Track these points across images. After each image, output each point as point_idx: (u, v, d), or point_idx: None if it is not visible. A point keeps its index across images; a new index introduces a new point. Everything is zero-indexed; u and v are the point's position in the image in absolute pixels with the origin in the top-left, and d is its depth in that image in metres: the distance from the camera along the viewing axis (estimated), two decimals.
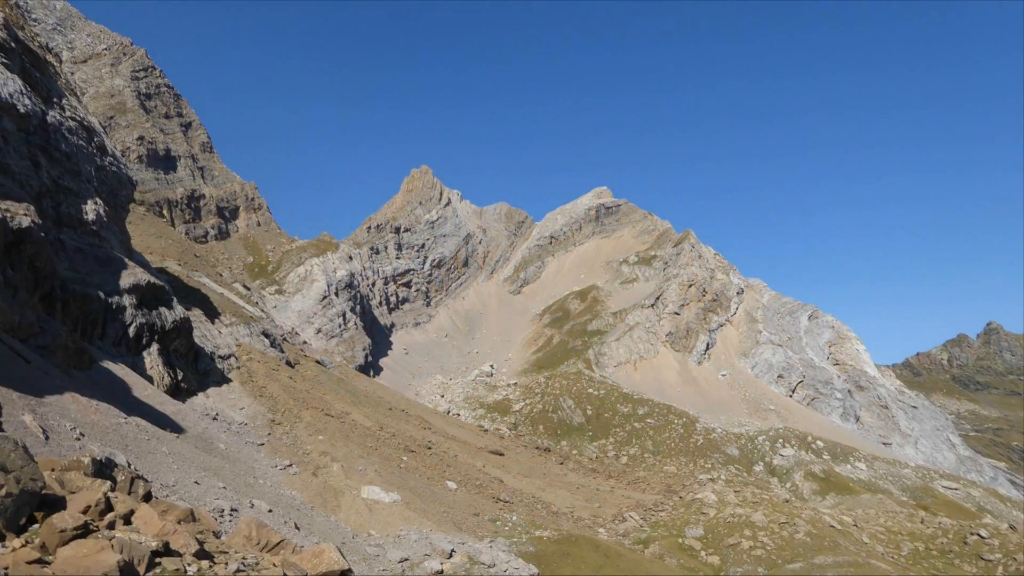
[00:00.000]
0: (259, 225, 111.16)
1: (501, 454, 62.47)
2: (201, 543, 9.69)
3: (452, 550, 29.87)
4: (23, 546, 7.69)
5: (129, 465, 18.51)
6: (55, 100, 35.04)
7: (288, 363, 57.05)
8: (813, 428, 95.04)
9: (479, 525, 37.46)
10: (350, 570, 10.79)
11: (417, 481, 41.41)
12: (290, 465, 35.26)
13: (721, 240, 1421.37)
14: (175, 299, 41.14)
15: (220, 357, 46.49)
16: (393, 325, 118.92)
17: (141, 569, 7.96)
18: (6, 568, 7.09)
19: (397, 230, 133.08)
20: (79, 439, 18.77)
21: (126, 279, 35.74)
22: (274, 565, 9.87)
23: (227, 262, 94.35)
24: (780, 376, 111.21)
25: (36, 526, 8.36)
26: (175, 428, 29.98)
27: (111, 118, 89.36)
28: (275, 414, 43.11)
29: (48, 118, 32.78)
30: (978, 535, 49.01)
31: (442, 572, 26.70)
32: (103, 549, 7.63)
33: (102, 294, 33.37)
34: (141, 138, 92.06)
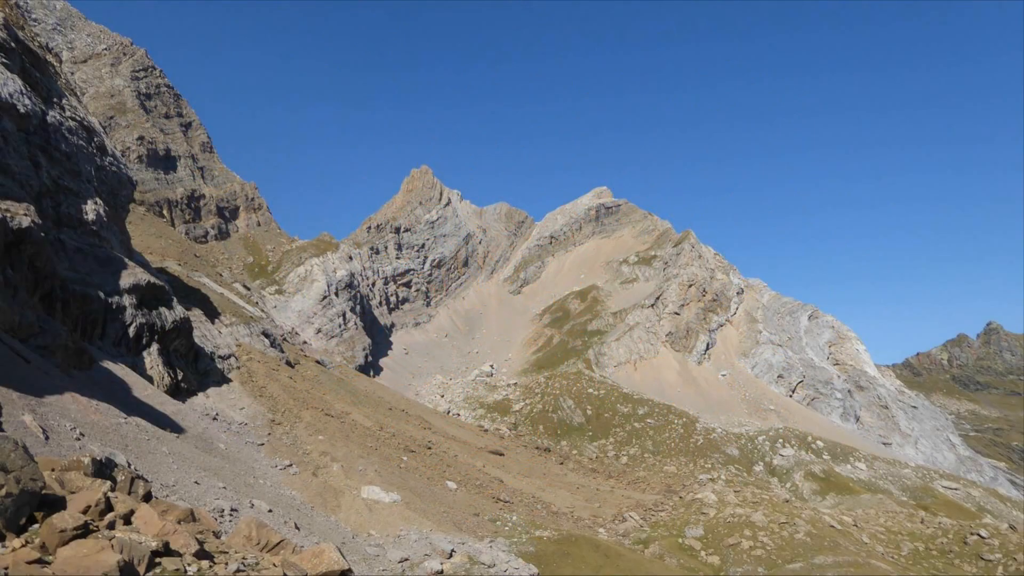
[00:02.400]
0: (259, 225, 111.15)
1: (501, 454, 62.46)
2: (201, 543, 9.69)
3: (452, 550, 29.87)
4: (23, 546, 7.69)
5: (129, 465, 18.51)
6: (55, 100, 35.04)
7: (288, 363, 57.05)
8: (813, 428, 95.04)
9: (479, 525, 37.46)
10: (350, 570, 10.79)
11: (417, 481, 41.40)
12: (290, 465, 35.26)
13: (721, 240, 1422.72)
14: (175, 299, 41.13)
15: (220, 357, 46.48)
16: (393, 325, 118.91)
17: (141, 569, 7.96)
18: (6, 568, 7.09)
19: (397, 230, 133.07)
20: (79, 439, 18.76)
21: (126, 279, 35.74)
22: (274, 565, 9.87)
23: (227, 262, 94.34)
24: (780, 376, 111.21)
25: (36, 526, 8.35)
26: (175, 428, 29.98)
27: (111, 118, 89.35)
28: (275, 414, 43.11)
29: (48, 118, 32.78)
30: (978, 535, 49.00)
31: (442, 572, 26.69)
32: (103, 549, 7.63)
33: (102, 294, 33.36)
34: (141, 138, 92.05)
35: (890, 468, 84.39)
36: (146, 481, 12.38)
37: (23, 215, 25.57)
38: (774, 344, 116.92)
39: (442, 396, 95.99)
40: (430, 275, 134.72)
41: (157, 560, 8.42)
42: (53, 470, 10.36)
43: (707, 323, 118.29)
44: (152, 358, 36.46)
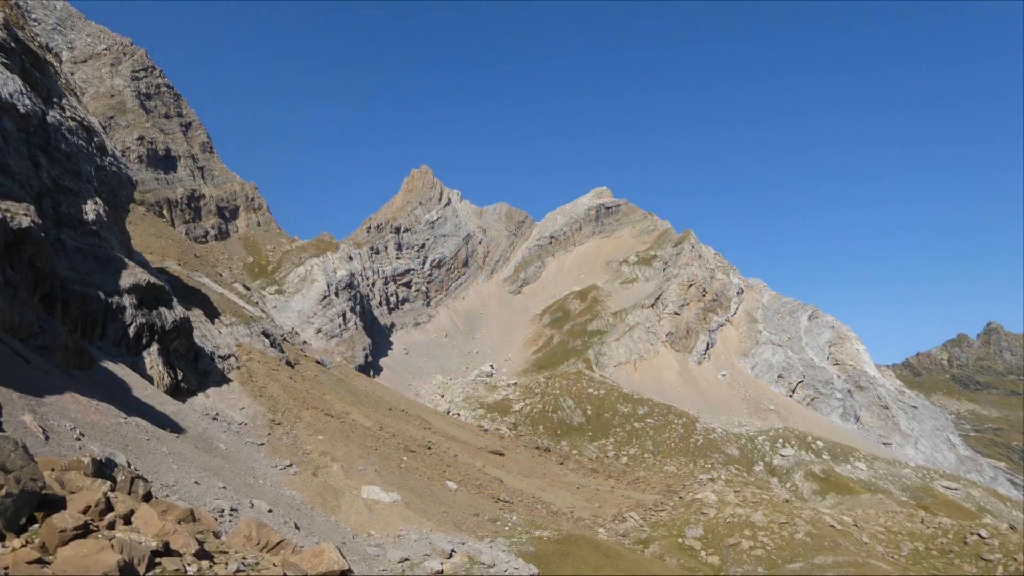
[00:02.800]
0: (259, 225, 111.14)
1: (501, 454, 62.46)
2: (201, 543, 9.69)
3: (452, 550, 29.86)
4: (23, 546, 7.69)
5: (129, 465, 18.51)
6: (55, 100, 35.04)
7: (288, 363, 57.04)
8: (813, 428, 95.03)
9: (479, 525, 37.46)
10: (350, 570, 10.78)
11: (417, 481, 41.40)
12: (290, 465, 35.25)
13: (721, 240, 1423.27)
14: (175, 299, 41.13)
15: (220, 357, 46.47)
16: (393, 325, 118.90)
17: (141, 569, 7.96)
18: (6, 568, 7.09)
19: (397, 230, 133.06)
20: (79, 439, 18.76)
21: (126, 279, 35.74)
22: (274, 565, 9.87)
23: (227, 262, 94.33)
24: (780, 376, 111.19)
25: (36, 526, 8.35)
26: (175, 428, 29.97)
27: (111, 118, 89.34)
28: (275, 414, 43.10)
29: (48, 118, 32.78)
30: (978, 535, 48.99)
31: (442, 572, 26.69)
32: (103, 549, 7.62)
33: (102, 294, 33.36)
34: (141, 138, 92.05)
35: (890, 468, 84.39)
36: (146, 481, 12.37)
37: (23, 215, 25.57)
38: (774, 344, 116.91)
39: (442, 396, 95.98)
40: (430, 275, 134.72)
41: (157, 560, 8.42)
42: (53, 470, 10.36)
43: (707, 323, 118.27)
44: (152, 358, 36.46)
